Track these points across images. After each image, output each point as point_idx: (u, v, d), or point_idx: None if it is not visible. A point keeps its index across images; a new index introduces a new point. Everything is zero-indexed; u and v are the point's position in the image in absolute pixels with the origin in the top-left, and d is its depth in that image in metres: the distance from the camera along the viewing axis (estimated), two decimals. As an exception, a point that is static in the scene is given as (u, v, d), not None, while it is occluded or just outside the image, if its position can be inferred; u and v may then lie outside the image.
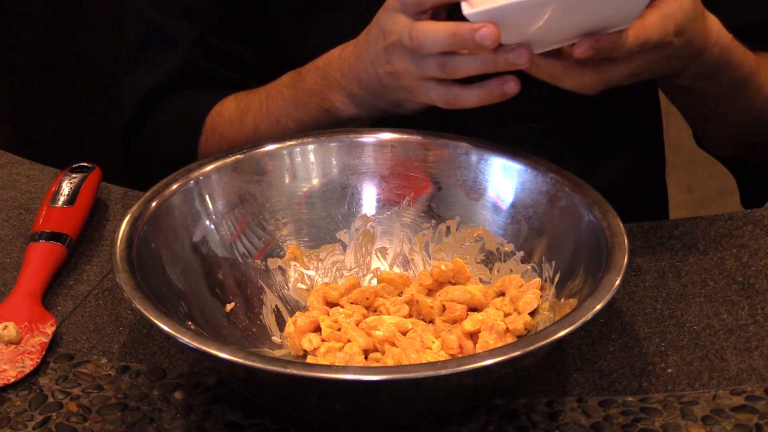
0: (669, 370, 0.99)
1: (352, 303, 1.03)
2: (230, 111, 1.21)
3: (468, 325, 0.98)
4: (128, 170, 1.32)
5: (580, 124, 1.25)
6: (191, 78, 1.25)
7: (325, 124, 1.13)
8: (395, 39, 1.03)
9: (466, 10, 0.98)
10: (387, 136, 1.09)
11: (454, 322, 1.00)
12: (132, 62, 1.28)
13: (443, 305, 1.02)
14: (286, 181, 1.07)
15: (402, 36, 1.02)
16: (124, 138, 1.30)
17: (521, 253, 1.04)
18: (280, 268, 1.06)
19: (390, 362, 0.96)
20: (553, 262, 1.01)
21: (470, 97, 1.03)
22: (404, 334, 0.99)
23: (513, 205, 1.05)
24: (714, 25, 1.09)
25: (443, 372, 0.84)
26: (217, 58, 1.25)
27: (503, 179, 1.06)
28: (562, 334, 0.87)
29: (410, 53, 1.03)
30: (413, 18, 1.03)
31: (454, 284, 1.04)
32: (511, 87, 1.02)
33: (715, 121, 1.20)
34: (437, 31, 1.00)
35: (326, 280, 1.07)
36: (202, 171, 1.05)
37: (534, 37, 1.00)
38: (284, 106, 1.15)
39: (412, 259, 1.08)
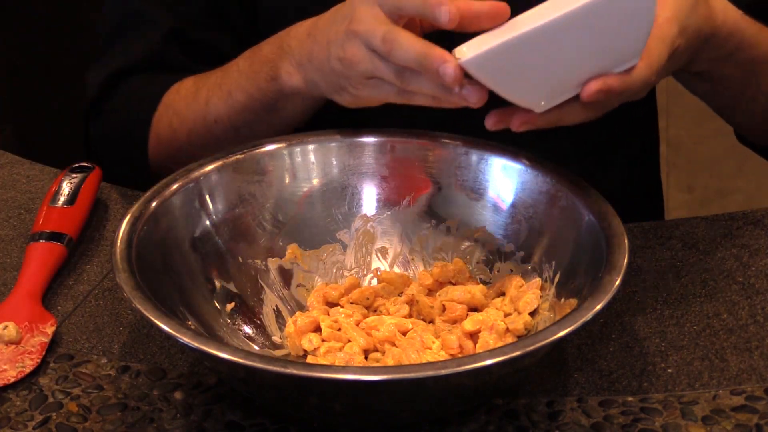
0: (669, 370, 0.99)
1: (352, 303, 1.03)
2: (187, 87, 1.19)
3: (468, 325, 0.98)
4: (86, 153, 1.30)
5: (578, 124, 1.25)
6: (158, 66, 1.24)
7: (271, 98, 1.11)
8: (362, 29, 0.98)
9: (460, 55, 0.94)
10: (387, 136, 1.09)
11: (454, 322, 1.00)
12: (103, 47, 1.27)
13: (443, 305, 1.02)
14: (286, 181, 1.07)
15: (372, 31, 0.97)
16: (85, 120, 1.28)
17: (521, 253, 1.04)
18: (280, 268, 1.06)
19: (390, 362, 0.96)
20: (554, 262, 1.01)
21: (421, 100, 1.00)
22: (404, 334, 0.99)
23: (513, 205, 1.05)
24: (718, 3, 1.05)
25: (443, 372, 0.84)
26: (190, 51, 1.23)
27: (503, 179, 1.06)
28: (562, 334, 0.87)
29: (371, 51, 0.98)
30: (390, 18, 0.98)
31: (454, 284, 1.04)
32: (471, 96, 0.97)
33: (744, 107, 1.16)
34: (412, 46, 0.95)
35: (326, 280, 1.07)
36: (202, 171, 1.05)
37: (535, 84, 0.95)
38: (237, 78, 1.13)
39: (412, 259, 1.08)
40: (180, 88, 1.20)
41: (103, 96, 1.26)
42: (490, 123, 0.98)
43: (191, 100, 1.17)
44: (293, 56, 1.07)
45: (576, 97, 0.96)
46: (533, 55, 0.93)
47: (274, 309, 1.04)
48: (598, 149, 1.28)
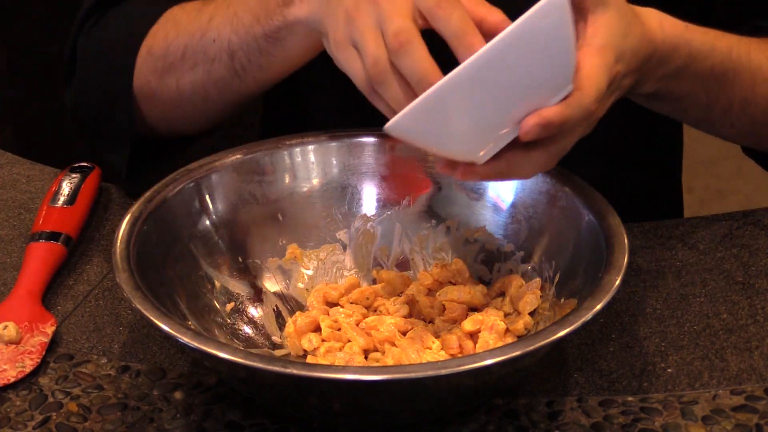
0: (669, 370, 0.99)
1: (352, 303, 1.03)
2: (193, 4, 1.15)
3: (468, 325, 0.98)
4: (66, 77, 1.24)
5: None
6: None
7: (276, 25, 1.05)
8: (384, 6, 0.93)
9: (387, 126, 0.90)
10: (387, 136, 1.09)
11: (454, 322, 1.00)
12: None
13: (443, 305, 1.02)
14: (286, 181, 1.07)
15: (391, 17, 0.92)
16: (72, 42, 1.22)
17: (521, 253, 1.04)
18: (280, 268, 1.06)
19: (390, 362, 0.96)
20: (554, 262, 1.01)
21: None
22: (404, 334, 0.99)
23: (513, 205, 1.05)
24: (652, 20, 1.00)
25: (443, 372, 0.84)
26: None
27: (503, 179, 1.06)
28: (562, 334, 0.87)
29: (377, 29, 0.93)
30: (415, 16, 0.93)
31: (454, 284, 1.04)
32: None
33: (720, 119, 1.11)
34: (421, 62, 0.91)
35: (326, 280, 1.07)
36: (202, 171, 1.05)
37: (467, 135, 0.90)
38: (249, 1, 1.08)
39: (412, 259, 1.08)
40: (185, 4, 1.15)
41: (85, 24, 1.20)
42: (438, 168, 0.96)
43: (194, 14, 1.13)
44: None
45: (523, 148, 0.91)
46: (455, 106, 0.88)
47: (274, 309, 1.04)
48: (620, 150, 1.27)
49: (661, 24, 1.00)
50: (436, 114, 0.89)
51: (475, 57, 0.87)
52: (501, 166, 0.92)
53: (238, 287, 1.04)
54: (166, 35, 1.13)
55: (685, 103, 1.08)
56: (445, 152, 0.92)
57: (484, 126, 0.90)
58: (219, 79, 1.10)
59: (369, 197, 1.09)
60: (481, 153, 0.91)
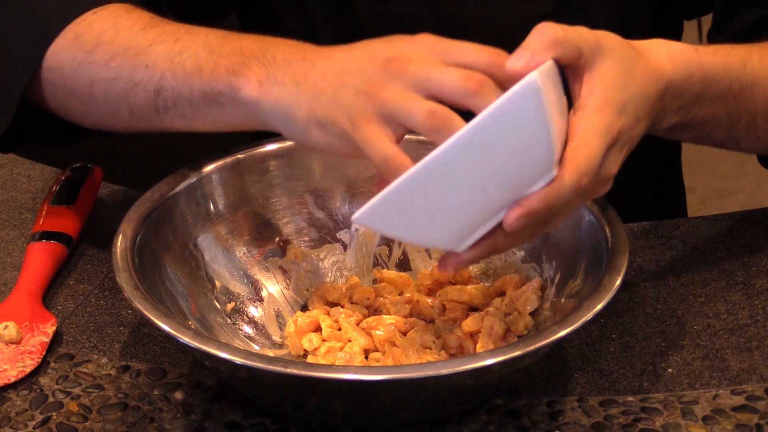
0: (669, 370, 0.99)
1: (352, 303, 1.03)
2: (140, 15, 1.05)
3: (468, 325, 0.98)
4: None
5: None
6: None
7: (215, 89, 0.97)
8: (412, 70, 0.89)
9: (356, 217, 0.87)
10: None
11: (455, 322, 1.00)
12: None
13: (443, 305, 1.02)
14: (287, 181, 1.07)
15: (433, 72, 0.88)
16: None
17: (522, 253, 1.04)
18: (280, 268, 1.06)
19: (390, 362, 0.96)
20: (554, 262, 1.01)
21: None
22: (404, 334, 0.99)
23: (513, 205, 1.05)
24: (660, 51, 0.96)
25: (443, 372, 0.84)
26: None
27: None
28: (562, 334, 0.87)
29: (414, 91, 0.89)
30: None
31: (454, 284, 1.04)
32: None
33: (746, 135, 1.06)
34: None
35: (327, 280, 1.07)
36: (202, 171, 1.05)
37: (444, 224, 0.87)
38: (198, 45, 0.99)
39: (412, 259, 1.08)
40: (134, 10, 1.06)
41: None
42: (438, 270, 0.93)
43: (138, 29, 1.03)
44: (271, 68, 0.95)
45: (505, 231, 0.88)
46: (428, 195, 0.85)
47: (274, 309, 1.04)
48: None
49: (670, 55, 0.97)
50: (405, 204, 0.85)
51: (445, 144, 0.84)
52: (484, 250, 0.89)
53: (239, 287, 1.04)
54: (101, 33, 1.04)
55: (708, 127, 1.04)
56: (422, 242, 0.90)
57: (463, 216, 0.87)
58: (136, 105, 1.02)
59: (369, 197, 1.08)
60: (465, 242, 0.88)
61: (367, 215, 0.86)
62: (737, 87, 1.02)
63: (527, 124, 0.84)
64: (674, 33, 1.28)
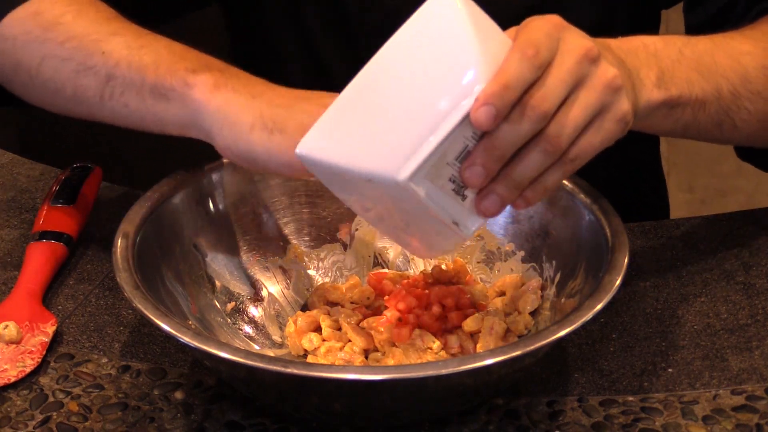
0: (669, 370, 0.99)
1: (352, 303, 1.03)
2: (104, 8, 1.06)
3: (468, 325, 0.98)
4: None
5: None
6: None
7: (168, 87, 0.98)
8: None
9: (297, 150, 0.88)
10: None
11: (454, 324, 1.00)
12: None
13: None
14: (287, 181, 1.07)
15: None
16: None
17: (522, 253, 1.04)
18: (280, 267, 1.06)
19: (390, 362, 0.96)
20: (554, 262, 1.01)
21: None
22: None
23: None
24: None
25: (443, 372, 0.84)
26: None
27: (504, 179, 1.06)
28: (562, 333, 0.87)
29: None
30: None
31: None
32: None
33: (737, 108, 1.04)
34: None
35: (327, 279, 1.07)
36: (202, 171, 1.05)
37: (384, 144, 0.85)
38: (161, 46, 1.01)
39: (413, 259, 1.08)
40: (98, 3, 1.07)
41: None
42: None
43: (102, 19, 1.04)
44: (231, 79, 0.97)
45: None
46: (363, 112, 0.85)
47: (274, 309, 1.04)
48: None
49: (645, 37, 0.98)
50: (345, 126, 0.86)
51: (373, 59, 0.85)
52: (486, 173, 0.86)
53: (239, 287, 1.04)
54: (63, 14, 1.05)
55: (701, 106, 1.02)
56: (362, 169, 0.85)
57: (398, 131, 0.84)
58: (81, 88, 1.03)
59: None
60: (404, 166, 0.83)
61: (308, 145, 0.87)
62: (709, 59, 1.02)
63: (446, 30, 0.84)
64: (652, 23, 1.30)
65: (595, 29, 0.92)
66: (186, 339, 0.87)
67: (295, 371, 0.85)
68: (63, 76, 1.04)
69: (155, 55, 1.00)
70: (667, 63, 0.98)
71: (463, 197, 0.86)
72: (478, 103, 0.82)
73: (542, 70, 0.84)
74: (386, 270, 1.07)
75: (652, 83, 0.96)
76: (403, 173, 0.83)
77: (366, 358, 0.98)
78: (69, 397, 0.97)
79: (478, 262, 1.06)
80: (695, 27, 1.17)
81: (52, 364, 1.00)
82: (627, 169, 1.32)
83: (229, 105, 0.95)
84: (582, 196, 1.00)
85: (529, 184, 0.87)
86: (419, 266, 1.07)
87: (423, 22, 0.85)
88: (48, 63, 1.04)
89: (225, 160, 1.05)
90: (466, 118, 0.83)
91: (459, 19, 0.84)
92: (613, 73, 0.87)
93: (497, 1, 0.90)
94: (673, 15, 1.31)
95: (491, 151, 0.84)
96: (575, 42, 0.86)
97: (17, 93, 1.10)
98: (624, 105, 0.88)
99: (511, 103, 0.83)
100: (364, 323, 1.00)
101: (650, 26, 1.29)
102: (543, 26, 0.86)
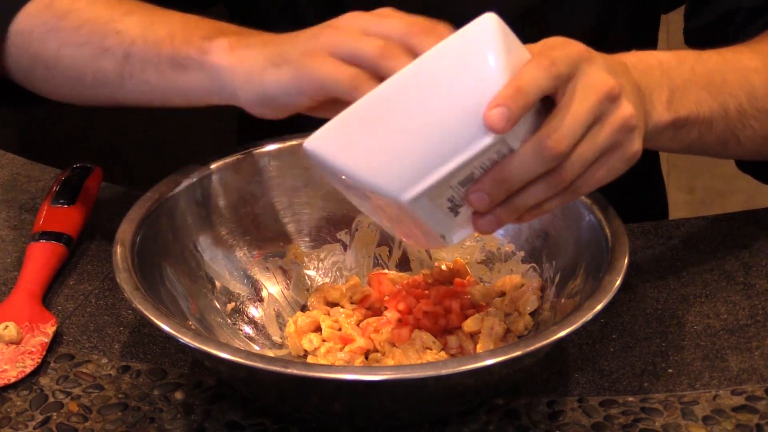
0: (669, 370, 0.99)
1: (352, 303, 1.03)
2: None
3: (468, 325, 0.98)
4: None
5: None
6: None
7: (184, 56, 0.98)
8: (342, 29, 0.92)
9: (307, 144, 0.88)
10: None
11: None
12: None
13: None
14: (287, 181, 1.07)
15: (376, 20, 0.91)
16: None
17: (522, 253, 1.04)
18: (280, 268, 1.06)
19: (390, 362, 0.96)
20: (554, 262, 1.01)
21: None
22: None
23: (513, 205, 1.05)
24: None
25: (443, 372, 0.84)
26: None
27: (504, 179, 1.06)
28: (562, 334, 0.87)
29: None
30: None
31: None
32: None
33: (742, 124, 1.05)
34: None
35: (327, 280, 1.07)
36: (202, 171, 1.05)
37: (395, 161, 0.85)
38: (173, 17, 1.02)
39: (412, 260, 1.08)
40: None
41: None
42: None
43: (113, 2, 1.05)
44: (244, 36, 0.98)
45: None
46: (382, 123, 0.84)
47: (274, 309, 1.04)
48: None
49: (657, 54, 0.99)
50: (362, 131, 0.85)
51: (406, 68, 0.84)
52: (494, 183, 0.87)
53: (239, 287, 1.04)
54: (75, 1, 1.06)
55: (708, 124, 1.03)
56: (366, 181, 0.85)
57: (412, 154, 0.84)
58: (101, 71, 1.03)
59: (369, 197, 1.08)
60: (407, 190, 0.84)
61: (317, 142, 0.87)
62: (719, 78, 1.03)
63: (481, 59, 0.83)
64: (652, 26, 1.29)
65: (596, 31, 0.92)
66: (186, 339, 0.87)
67: (295, 371, 0.85)
68: (81, 63, 1.04)
69: (169, 28, 1.00)
70: (678, 83, 0.98)
71: (456, 214, 0.88)
72: (492, 105, 0.82)
73: (558, 81, 0.85)
74: (386, 270, 1.07)
75: (662, 105, 0.97)
76: (408, 195, 0.84)
77: (366, 358, 0.98)
78: (69, 397, 0.97)
79: (478, 263, 1.06)
80: (695, 32, 1.17)
81: (52, 364, 1.00)
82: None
83: (244, 60, 0.95)
84: (582, 196, 1.00)
85: (528, 209, 0.88)
86: (419, 266, 1.07)
87: (460, 45, 0.84)
88: (65, 51, 1.05)
89: (225, 161, 1.05)
90: (481, 153, 0.83)
91: (495, 51, 0.83)
92: (629, 112, 0.88)
93: (497, 2, 0.90)
94: (673, 17, 1.30)
95: (500, 183, 0.85)
96: (599, 78, 0.87)
97: (37, 89, 1.11)
98: (635, 145, 0.89)
99: (525, 108, 0.83)
100: (364, 323, 1.00)
101: (650, 29, 1.29)
102: (563, 45, 0.86)
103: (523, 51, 0.86)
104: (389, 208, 0.88)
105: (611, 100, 0.87)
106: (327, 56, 0.91)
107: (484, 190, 0.85)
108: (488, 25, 0.83)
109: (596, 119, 0.86)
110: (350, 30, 0.92)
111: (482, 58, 0.83)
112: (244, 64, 0.95)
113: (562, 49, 0.86)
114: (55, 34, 1.06)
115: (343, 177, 0.87)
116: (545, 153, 0.84)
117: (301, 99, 0.93)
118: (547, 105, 0.86)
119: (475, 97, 0.83)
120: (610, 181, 0.90)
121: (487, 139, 0.82)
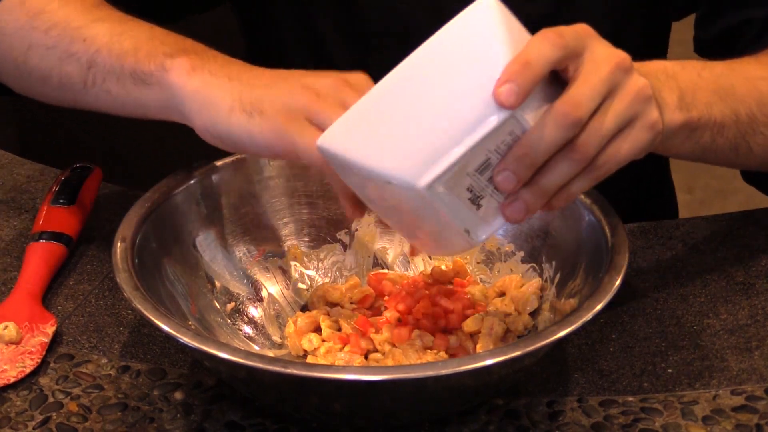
0: (669, 370, 0.99)
1: (352, 303, 1.03)
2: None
3: (468, 325, 0.98)
4: None
5: None
6: None
7: (147, 72, 0.99)
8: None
9: (319, 142, 0.88)
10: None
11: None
12: None
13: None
14: (286, 181, 1.07)
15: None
16: None
17: (521, 253, 1.04)
18: (280, 268, 1.06)
19: (390, 363, 0.96)
20: (554, 262, 1.01)
21: None
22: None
23: (513, 205, 1.05)
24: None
25: (443, 372, 0.84)
26: None
27: (503, 179, 1.06)
28: (562, 334, 0.87)
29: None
30: None
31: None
32: None
33: (752, 131, 1.05)
34: None
35: (326, 280, 1.07)
36: (202, 171, 1.05)
37: (408, 147, 0.85)
38: (142, 32, 1.01)
39: (412, 260, 1.08)
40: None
41: None
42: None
43: (88, 6, 1.05)
44: (208, 62, 0.97)
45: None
46: (390, 112, 0.85)
47: (273, 309, 1.04)
48: None
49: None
50: (371, 123, 0.85)
51: (407, 59, 0.85)
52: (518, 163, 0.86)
53: (239, 287, 1.04)
54: (48, 2, 1.06)
55: (718, 128, 1.02)
56: (381, 171, 0.85)
57: (423, 138, 0.84)
58: (66, 76, 1.04)
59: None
60: (423, 174, 0.84)
61: (329, 138, 0.87)
62: (727, 83, 1.02)
63: (482, 42, 0.83)
64: (663, 35, 1.29)
65: (609, 37, 0.92)
66: (186, 339, 0.87)
67: (295, 372, 0.85)
68: (48, 65, 1.05)
69: (135, 41, 1.00)
70: (687, 85, 0.98)
71: (478, 207, 0.87)
72: (501, 81, 0.82)
73: (566, 52, 0.85)
74: (386, 270, 1.07)
75: (674, 104, 0.96)
76: (423, 180, 0.84)
77: (366, 358, 0.98)
78: (69, 397, 0.97)
79: (478, 263, 1.06)
80: (705, 42, 1.17)
81: (51, 364, 1.00)
82: (635, 170, 1.32)
83: (206, 88, 0.96)
84: (582, 196, 1.00)
85: (555, 191, 0.87)
86: (419, 266, 1.07)
87: (460, 29, 0.84)
88: (34, 52, 1.05)
89: (225, 161, 1.05)
90: (492, 133, 0.83)
91: (496, 32, 0.84)
92: (643, 82, 0.88)
93: (515, 11, 0.91)
94: (681, 27, 1.30)
95: (522, 159, 0.85)
96: (607, 51, 0.87)
97: (9, 84, 1.12)
98: (654, 113, 0.89)
99: (534, 81, 0.83)
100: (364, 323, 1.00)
101: (661, 38, 1.28)
102: (569, 27, 0.86)
103: (524, 31, 0.86)
104: (406, 206, 0.88)
105: (624, 70, 0.87)
106: (305, 123, 0.91)
107: (508, 167, 0.85)
108: (488, 4, 0.84)
109: (611, 89, 0.86)
110: (331, 100, 0.92)
111: (485, 37, 0.83)
112: (206, 95, 0.95)
113: (568, 27, 0.86)
114: (25, 33, 1.06)
115: (358, 171, 0.87)
116: (563, 120, 0.84)
117: (265, 152, 0.94)
118: (558, 89, 0.86)
119: (481, 77, 0.83)
120: (636, 158, 0.89)
121: (500, 116, 0.82)
